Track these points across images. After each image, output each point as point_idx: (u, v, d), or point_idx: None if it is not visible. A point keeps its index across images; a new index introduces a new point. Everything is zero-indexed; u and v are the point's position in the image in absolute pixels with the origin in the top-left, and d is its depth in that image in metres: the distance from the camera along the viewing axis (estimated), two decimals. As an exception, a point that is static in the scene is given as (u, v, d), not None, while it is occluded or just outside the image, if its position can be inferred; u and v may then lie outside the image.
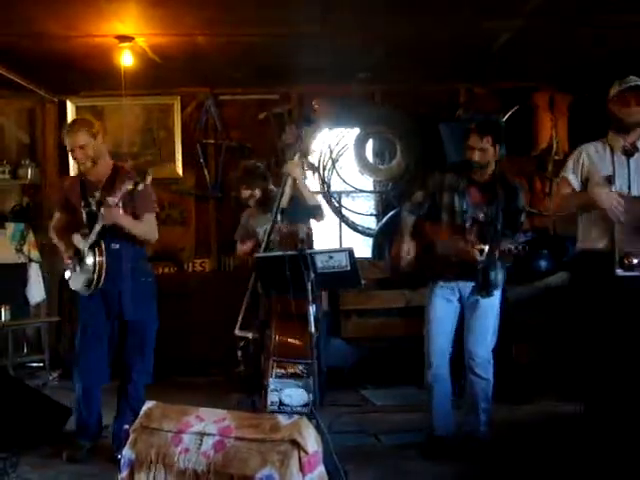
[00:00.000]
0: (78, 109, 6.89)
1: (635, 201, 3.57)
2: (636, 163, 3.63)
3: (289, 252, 3.54)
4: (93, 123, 4.25)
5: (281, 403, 3.68)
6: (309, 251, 3.55)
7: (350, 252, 3.53)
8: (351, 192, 7.24)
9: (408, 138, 6.86)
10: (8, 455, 4.03)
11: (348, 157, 7.09)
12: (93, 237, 4.03)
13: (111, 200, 3.92)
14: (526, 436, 4.46)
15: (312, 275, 3.49)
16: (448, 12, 4.87)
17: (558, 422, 4.37)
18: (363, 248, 6.90)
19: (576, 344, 3.99)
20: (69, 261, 4.16)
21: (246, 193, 4.73)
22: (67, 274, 4.23)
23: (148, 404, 3.10)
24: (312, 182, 6.96)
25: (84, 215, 4.13)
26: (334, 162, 7.09)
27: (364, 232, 7.11)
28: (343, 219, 7.15)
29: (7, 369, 5.87)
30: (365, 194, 7.31)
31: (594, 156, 3.76)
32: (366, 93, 6.96)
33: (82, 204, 4.15)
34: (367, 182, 7.25)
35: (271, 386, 3.70)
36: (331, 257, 3.52)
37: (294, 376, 3.73)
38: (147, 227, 4.21)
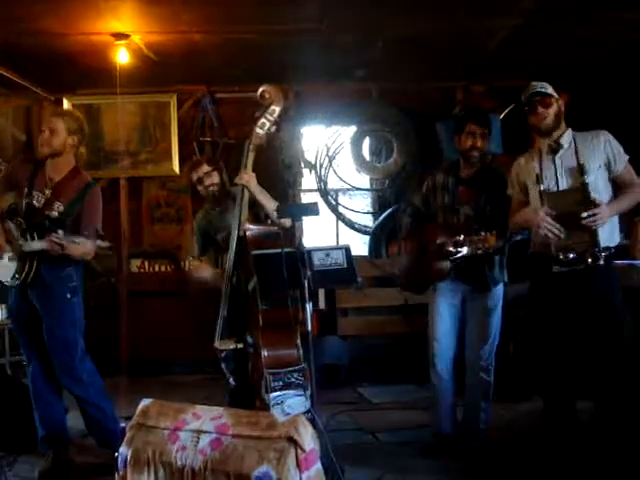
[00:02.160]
0: (74, 107, 6.87)
1: (562, 195, 3.61)
2: (561, 159, 3.68)
3: (286, 249, 3.53)
4: (78, 121, 4.07)
5: (284, 414, 3.66)
6: (306, 248, 3.54)
7: (347, 249, 3.53)
8: (348, 190, 7.23)
9: (405, 136, 6.86)
10: (4, 454, 4.04)
11: (345, 155, 7.08)
12: (34, 247, 3.81)
13: (59, 236, 3.70)
14: (525, 434, 4.46)
15: (309, 272, 3.49)
16: (445, 10, 4.87)
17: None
18: (360, 246, 6.91)
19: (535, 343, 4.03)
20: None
21: (205, 169, 4.33)
22: None
23: (144, 401, 3.10)
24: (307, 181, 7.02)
25: (23, 204, 3.94)
26: (331, 160, 7.08)
27: (361, 230, 7.10)
28: (340, 217, 7.14)
29: (4, 368, 5.86)
30: (362, 192, 7.30)
31: (523, 164, 3.88)
32: (363, 91, 6.95)
33: (25, 192, 3.96)
34: (364, 180, 7.25)
35: (272, 401, 3.65)
36: (328, 254, 3.51)
37: (292, 386, 3.70)
38: (85, 247, 3.84)
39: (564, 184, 3.64)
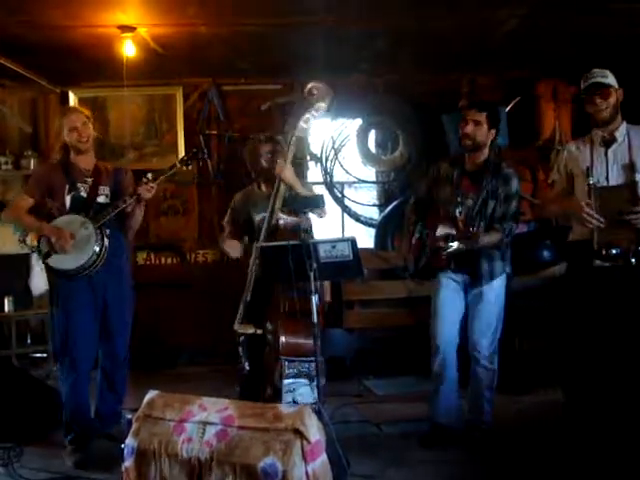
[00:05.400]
0: (80, 100, 6.88)
1: (611, 191, 3.59)
2: (614, 154, 3.66)
3: (292, 242, 3.54)
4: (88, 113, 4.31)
5: (294, 402, 3.68)
6: (312, 240, 3.55)
7: (353, 241, 3.53)
8: (353, 183, 7.24)
9: (410, 128, 6.85)
10: (12, 445, 4.05)
11: (350, 148, 7.08)
12: (107, 217, 4.04)
13: (151, 175, 4.04)
14: (529, 426, 4.47)
15: (315, 264, 3.49)
16: (452, 2, 4.86)
17: (559, 413, 4.37)
18: (366, 239, 6.91)
19: (566, 334, 4.03)
20: (69, 242, 3.99)
21: (267, 148, 4.36)
22: (53, 254, 4.05)
23: (151, 393, 3.11)
24: (313, 175, 7.02)
25: (67, 200, 4.10)
26: (336, 153, 7.08)
27: (367, 223, 7.11)
28: (345, 210, 7.15)
29: (11, 360, 5.89)
30: (367, 185, 7.31)
31: (574, 152, 3.84)
32: (369, 83, 6.94)
33: (67, 188, 4.12)
34: (369, 173, 7.25)
35: (285, 387, 3.69)
36: (334, 247, 3.52)
37: (304, 375, 3.74)
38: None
39: (614, 180, 3.62)
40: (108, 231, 4.08)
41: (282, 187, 4.11)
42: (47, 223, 4.10)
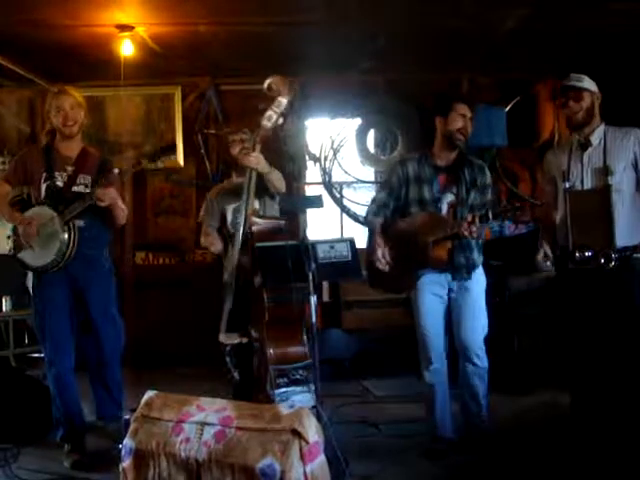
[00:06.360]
0: (78, 99, 6.87)
1: (584, 195, 3.62)
2: (589, 157, 3.69)
3: (290, 242, 3.53)
4: (80, 96, 4.15)
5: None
6: (311, 241, 3.53)
7: (351, 242, 3.52)
8: (352, 183, 7.23)
9: (409, 128, 6.84)
10: (9, 446, 4.04)
11: (349, 148, 7.07)
12: (74, 212, 3.87)
13: (115, 173, 3.90)
14: (528, 426, 4.46)
15: (313, 265, 3.47)
16: (452, 2, 4.85)
17: (559, 413, 4.36)
18: (364, 239, 6.88)
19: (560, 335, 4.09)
20: (33, 235, 3.89)
21: (237, 137, 4.38)
22: (23, 249, 3.96)
23: (149, 393, 3.10)
24: (311, 173, 7.01)
25: (43, 188, 3.97)
26: (335, 153, 7.06)
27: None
28: (344, 210, 7.13)
29: (8, 360, 5.87)
30: (366, 185, 7.30)
31: (556, 156, 3.90)
32: (368, 83, 6.93)
33: (44, 176, 3.98)
34: (368, 173, 7.24)
35: (277, 397, 3.60)
36: (332, 247, 3.50)
37: (297, 382, 3.68)
38: (125, 211, 4.13)
39: (588, 183, 3.65)
40: (82, 222, 3.94)
41: (254, 179, 4.00)
42: (21, 213, 4.00)
